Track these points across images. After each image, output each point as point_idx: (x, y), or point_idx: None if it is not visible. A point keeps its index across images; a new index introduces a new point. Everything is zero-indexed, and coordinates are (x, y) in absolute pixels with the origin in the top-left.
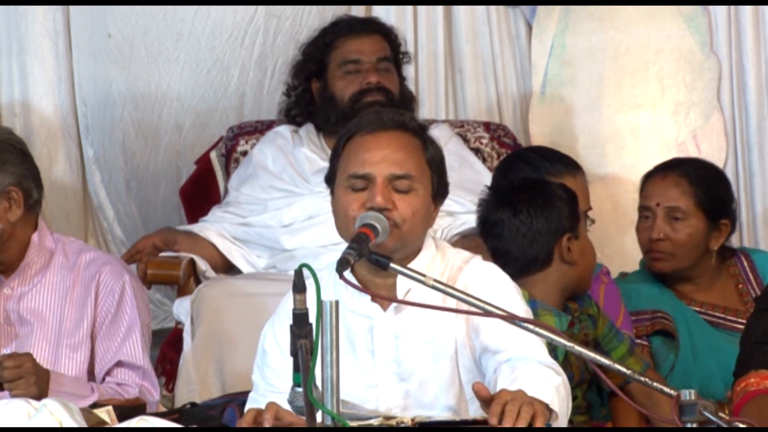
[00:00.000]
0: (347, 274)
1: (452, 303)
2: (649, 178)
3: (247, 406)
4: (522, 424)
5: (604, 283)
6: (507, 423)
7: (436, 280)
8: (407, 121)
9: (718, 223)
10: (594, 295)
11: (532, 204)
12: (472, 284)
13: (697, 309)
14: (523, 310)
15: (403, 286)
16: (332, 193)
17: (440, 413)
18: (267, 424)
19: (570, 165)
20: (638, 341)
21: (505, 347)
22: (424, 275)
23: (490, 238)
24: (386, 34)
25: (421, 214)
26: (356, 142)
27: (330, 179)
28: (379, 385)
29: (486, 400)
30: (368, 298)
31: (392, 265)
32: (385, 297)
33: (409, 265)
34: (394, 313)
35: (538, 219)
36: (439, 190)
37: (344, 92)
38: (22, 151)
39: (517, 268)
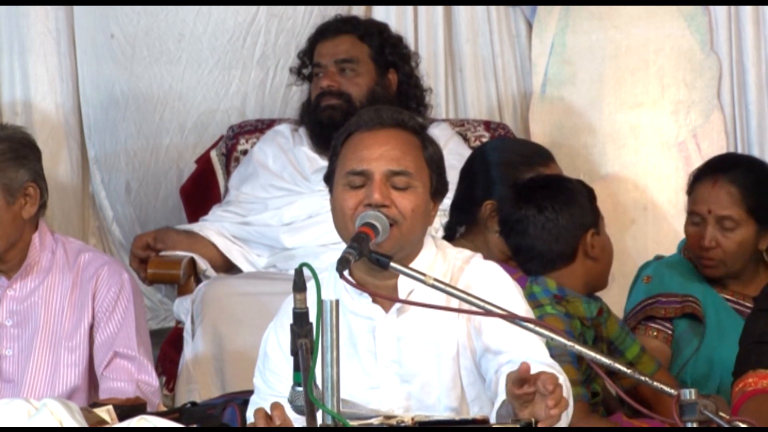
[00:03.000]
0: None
1: (455, 303)
2: (699, 181)
3: (249, 410)
4: (556, 413)
5: None
6: (550, 404)
7: (436, 279)
8: (406, 119)
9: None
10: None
11: (557, 200)
12: (473, 284)
13: (728, 297)
14: (524, 310)
15: (404, 287)
16: (331, 191)
17: (442, 415)
18: (277, 422)
19: (543, 155)
20: (660, 325)
21: (506, 348)
22: (424, 274)
23: (513, 235)
24: (362, 34)
25: (420, 211)
26: (354, 140)
27: (328, 178)
28: (381, 386)
29: (526, 380)
30: (369, 299)
31: (393, 264)
32: (385, 297)
33: (410, 266)
34: (396, 314)
35: (563, 215)
36: (438, 189)
37: (312, 95)
38: (39, 150)
39: (542, 264)
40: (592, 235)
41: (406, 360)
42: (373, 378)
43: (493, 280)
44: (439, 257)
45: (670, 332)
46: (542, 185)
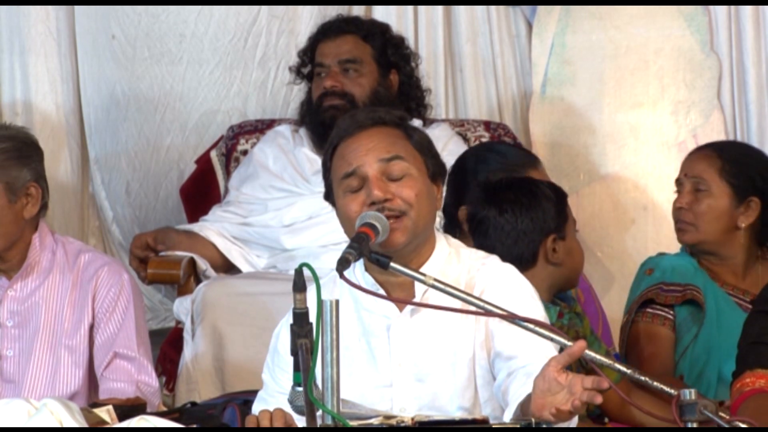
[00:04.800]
0: (362, 274)
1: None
2: (689, 154)
3: (255, 405)
4: (578, 405)
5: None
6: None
7: (436, 279)
8: (382, 115)
9: (746, 200)
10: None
11: (518, 203)
12: (489, 286)
13: (729, 292)
14: (542, 316)
15: (420, 286)
16: (334, 205)
17: (443, 415)
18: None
19: (524, 163)
20: (662, 311)
21: (520, 354)
22: (424, 274)
23: (477, 235)
24: (365, 34)
25: (424, 195)
26: (340, 150)
27: (328, 195)
28: (394, 385)
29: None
30: (384, 294)
31: (392, 264)
32: (395, 299)
33: (424, 267)
34: (410, 314)
35: (522, 218)
36: (436, 171)
37: (314, 95)
38: (41, 151)
39: None
40: (554, 240)
41: (420, 359)
42: (386, 376)
43: (509, 283)
44: (453, 258)
45: (671, 317)
46: (507, 187)
